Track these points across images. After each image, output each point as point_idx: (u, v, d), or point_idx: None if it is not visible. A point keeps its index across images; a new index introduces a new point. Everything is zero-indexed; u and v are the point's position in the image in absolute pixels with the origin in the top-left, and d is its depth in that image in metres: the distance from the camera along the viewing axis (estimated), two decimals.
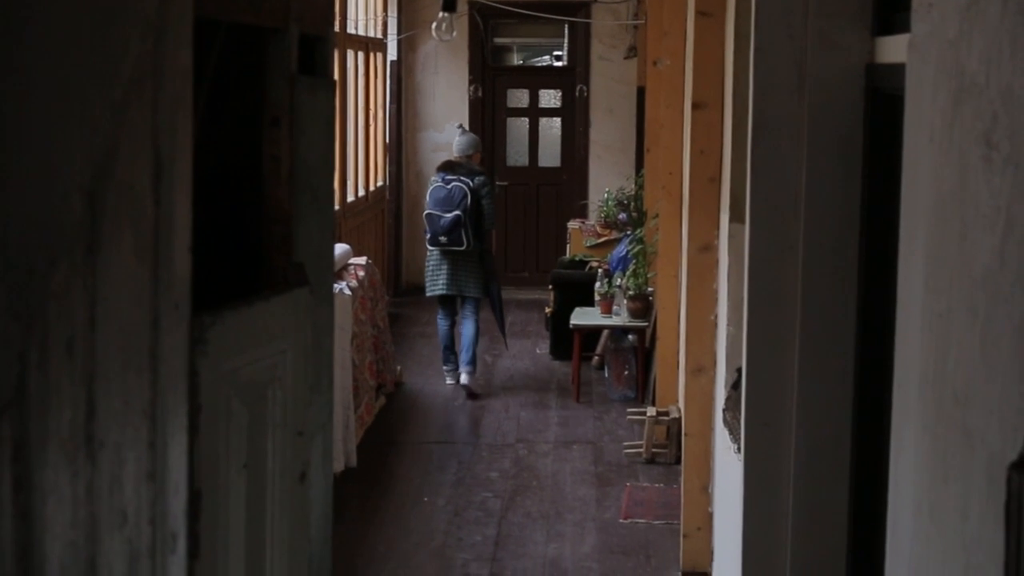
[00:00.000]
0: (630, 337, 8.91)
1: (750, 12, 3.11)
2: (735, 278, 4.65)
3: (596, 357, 9.55)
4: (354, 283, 7.81)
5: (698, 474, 5.80)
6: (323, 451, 2.39)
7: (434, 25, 10.67)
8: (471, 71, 12.90)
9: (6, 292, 1.18)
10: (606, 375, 9.10)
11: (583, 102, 12.92)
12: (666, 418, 7.42)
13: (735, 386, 4.44)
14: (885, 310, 2.52)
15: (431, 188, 8.82)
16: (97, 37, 1.37)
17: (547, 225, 12.91)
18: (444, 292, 8.80)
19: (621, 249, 9.63)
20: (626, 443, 7.71)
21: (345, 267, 8.07)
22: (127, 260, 1.44)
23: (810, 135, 2.76)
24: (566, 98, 13.07)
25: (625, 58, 12.38)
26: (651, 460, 7.44)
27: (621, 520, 6.54)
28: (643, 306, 8.67)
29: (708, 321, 5.78)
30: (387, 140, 12.26)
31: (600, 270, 9.63)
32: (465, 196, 8.62)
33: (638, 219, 9.54)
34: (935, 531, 1.44)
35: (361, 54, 11.14)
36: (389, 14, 12.20)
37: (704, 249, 5.80)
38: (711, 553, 5.56)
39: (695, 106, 5.75)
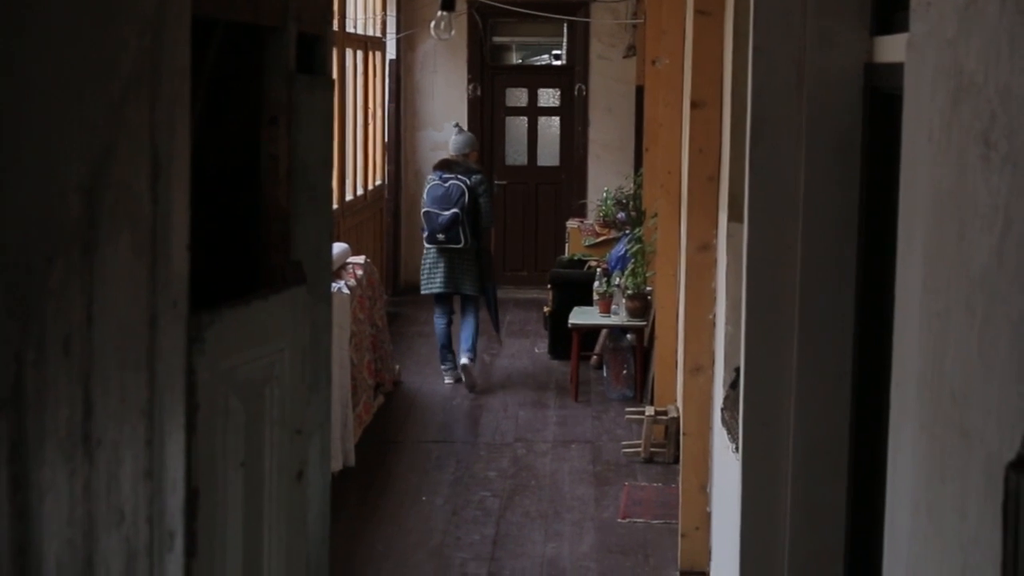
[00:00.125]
0: (628, 336, 8.92)
1: (749, 11, 3.11)
2: (733, 277, 4.65)
3: (594, 356, 9.55)
4: (352, 282, 7.81)
5: (696, 473, 5.80)
6: (321, 450, 2.39)
7: (433, 24, 10.67)
8: (470, 70, 12.90)
9: (3, 290, 1.18)
10: (604, 374, 9.10)
11: (582, 101, 12.92)
12: (664, 417, 7.43)
13: (733, 385, 4.44)
14: (883, 309, 2.52)
15: (428, 186, 8.86)
16: (95, 36, 1.37)
17: (546, 224, 12.91)
18: (441, 290, 8.84)
19: (620, 248, 9.63)
20: (624, 442, 7.71)
21: (343, 266, 8.07)
22: (124, 258, 1.44)
23: (809, 134, 2.75)
24: (565, 97, 13.07)
25: (624, 57, 12.38)
26: (649, 459, 7.44)
27: (619, 519, 6.54)
28: (641, 305, 8.67)
29: (706, 320, 5.78)
30: (386, 139, 12.26)
31: (599, 269, 9.63)
32: (463, 194, 8.67)
33: (637, 218, 9.54)
34: (933, 530, 1.44)
35: (360, 53, 11.13)
36: (388, 13, 12.19)
37: (703, 248, 5.80)
38: (709, 553, 5.56)
39: (694, 105, 5.75)
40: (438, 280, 8.84)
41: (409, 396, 8.93)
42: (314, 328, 2.26)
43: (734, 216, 4.69)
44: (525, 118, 13.24)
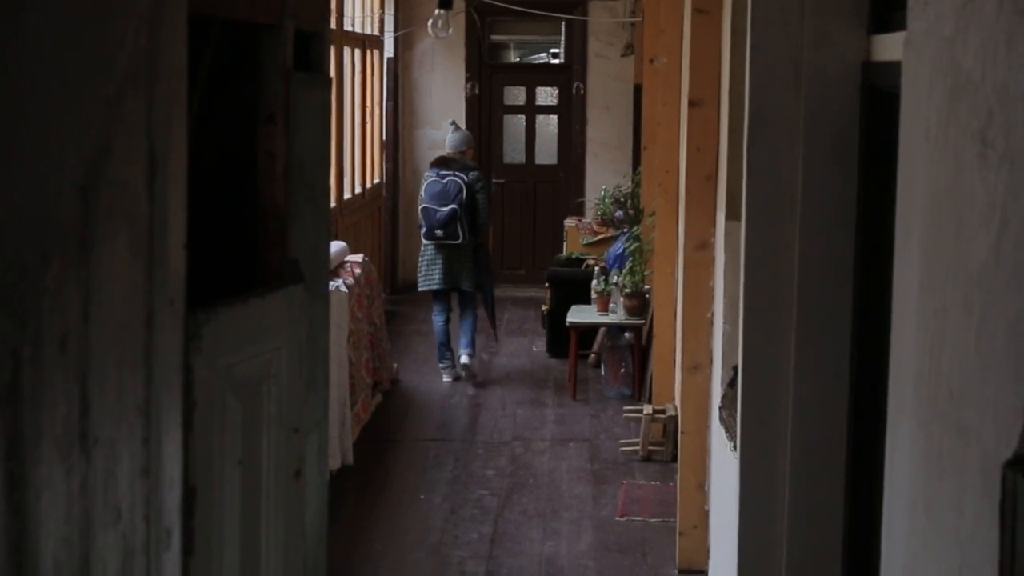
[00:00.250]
0: (626, 335, 8.92)
1: (747, 10, 3.11)
2: (731, 276, 4.65)
3: (592, 355, 9.55)
4: (350, 280, 7.80)
5: (694, 472, 5.80)
6: (318, 448, 2.39)
7: (430, 22, 10.66)
8: (468, 68, 12.90)
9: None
10: (602, 373, 9.11)
11: (580, 99, 12.91)
12: (662, 416, 7.43)
13: (731, 384, 4.44)
14: (881, 307, 2.52)
15: (426, 183, 8.90)
16: (91, 34, 1.37)
17: (544, 223, 12.90)
18: (439, 286, 8.88)
19: (618, 247, 9.63)
20: (622, 441, 7.71)
21: (341, 264, 8.07)
22: (121, 257, 1.44)
23: (806, 133, 2.75)
24: (563, 95, 13.07)
25: (622, 55, 12.37)
26: (647, 458, 7.44)
27: (617, 518, 6.54)
28: (639, 304, 8.68)
29: (704, 319, 5.78)
30: (384, 137, 12.25)
31: (597, 268, 9.63)
32: (461, 190, 8.72)
33: (635, 217, 9.54)
34: (930, 528, 1.44)
35: (358, 51, 11.13)
36: (386, 11, 12.19)
37: (700, 247, 5.80)
38: (707, 551, 5.56)
39: (692, 104, 5.75)
40: (436, 277, 8.88)
41: (407, 394, 8.93)
42: (311, 326, 2.26)
43: (732, 215, 4.69)
44: (523, 116, 13.24)
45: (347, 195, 10.59)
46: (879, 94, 2.62)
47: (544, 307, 10.21)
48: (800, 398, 2.81)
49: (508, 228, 12.86)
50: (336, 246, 7.97)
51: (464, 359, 9.14)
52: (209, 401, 1.82)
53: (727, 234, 4.79)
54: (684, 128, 6.14)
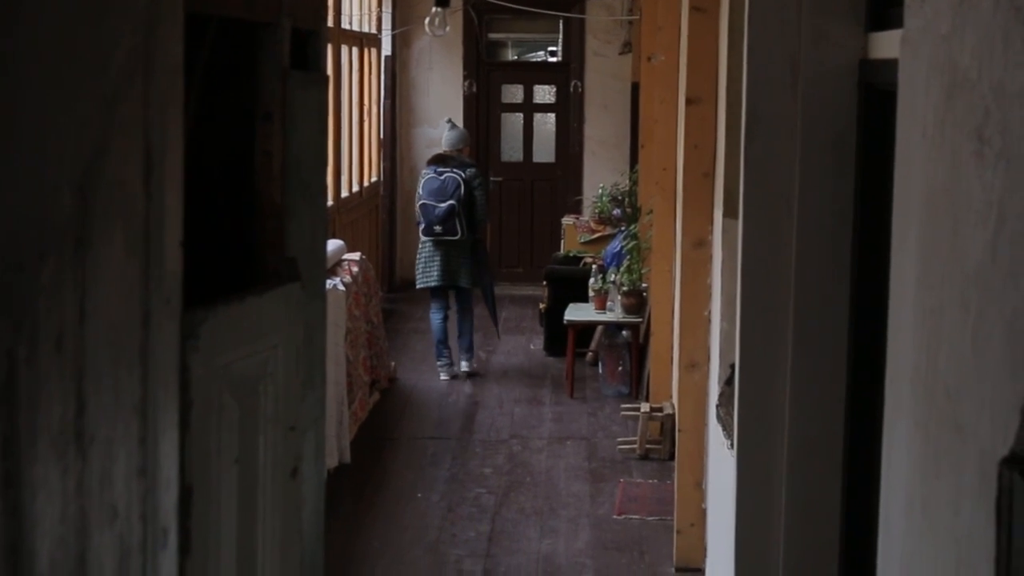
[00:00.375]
0: (624, 333, 8.92)
1: (744, 7, 3.11)
2: (729, 274, 4.65)
3: (590, 353, 9.55)
4: (348, 279, 7.80)
5: (692, 470, 5.80)
6: (315, 447, 2.39)
7: (427, 20, 10.66)
8: (465, 66, 12.89)
9: None
10: (600, 371, 9.11)
11: (577, 98, 12.91)
12: (660, 414, 7.43)
13: (729, 382, 4.44)
14: (878, 305, 2.52)
15: (424, 180, 8.94)
16: (87, 32, 1.36)
17: (541, 221, 12.90)
18: (437, 283, 8.91)
19: (615, 245, 9.63)
20: (620, 439, 7.72)
21: (339, 263, 8.06)
22: (117, 255, 1.44)
23: (803, 130, 2.75)
24: (560, 94, 13.07)
25: (620, 54, 12.38)
26: (645, 456, 7.44)
27: (615, 516, 6.54)
28: (637, 302, 8.68)
29: (702, 317, 5.79)
30: (381, 136, 12.25)
31: (594, 266, 9.63)
32: (459, 187, 8.78)
33: (632, 215, 9.54)
34: (927, 526, 1.44)
35: (355, 49, 11.12)
36: (383, 9, 12.18)
37: (698, 245, 5.80)
38: (704, 549, 5.56)
39: (689, 101, 5.75)
40: (434, 273, 8.91)
41: (405, 393, 8.93)
42: (308, 325, 2.26)
43: (729, 212, 4.69)
44: (521, 115, 13.24)
45: (344, 193, 10.59)
46: (876, 92, 2.62)
47: (542, 305, 10.21)
48: (797, 396, 2.81)
49: (506, 226, 12.86)
50: (334, 244, 7.97)
51: (464, 366, 9.22)
52: (206, 400, 1.82)
53: (724, 232, 4.79)
54: (682, 126, 6.14)
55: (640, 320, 8.70)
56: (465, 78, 12.90)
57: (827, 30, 2.70)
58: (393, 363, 9.21)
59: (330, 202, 9.42)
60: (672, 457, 6.75)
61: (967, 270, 1.29)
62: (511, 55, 15.42)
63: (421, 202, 8.86)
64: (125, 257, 1.46)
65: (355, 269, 8.13)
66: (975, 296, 1.26)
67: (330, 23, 9.36)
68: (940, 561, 1.37)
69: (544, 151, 13.17)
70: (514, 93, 13.22)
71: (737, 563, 3.07)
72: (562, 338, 9.15)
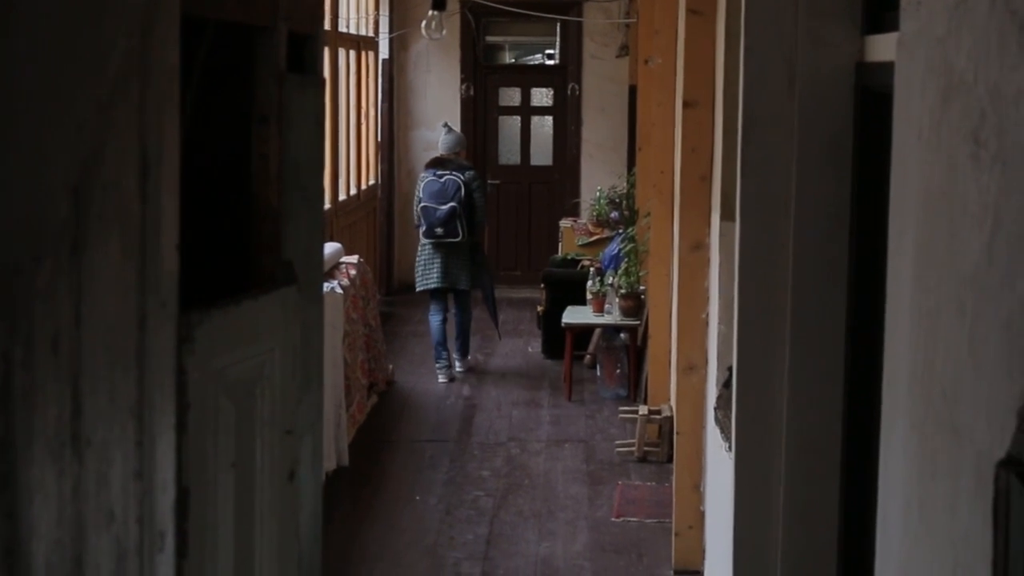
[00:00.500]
0: (622, 335, 8.92)
1: (740, 10, 3.11)
2: (726, 276, 4.65)
3: (588, 356, 9.55)
4: (346, 282, 7.80)
5: (690, 472, 5.80)
6: (313, 450, 2.38)
7: (424, 23, 10.66)
8: (463, 69, 12.89)
9: None
10: (598, 373, 9.11)
11: (575, 100, 12.92)
12: (658, 416, 7.43)
13: (726, 384, 4.44)
14: (875, 308, 2.52)
15: (424, 183, 9.00)
16: (83, 35, 1.36)
17: (539, 224, 12.90)
18: (437, 285, 8.98)
19: (613, 247, 9.63)
20: (618, 442, 7.71)
21: (337, 266, 8.06)
22: (113, 258, 1.44)
23: (800, 133, 2.75)
24: (558, 96, 13.07)
25: (617, 56, 12.38)
26: (643, 459, 7.44)
27: (613, 519, 6.54)
28: (635, 304, 8.68)
29: (700, 319, 5.79)
30: (379, 139, 12.25)
31: (592, 269, 9.63)
32: (459, 189, 8.88)
33: (630, 217, 9.54)
34: (924, 528, 1.44)
35: (353, 52, 11.13)
36: (381, 12, 12.18)
37: (695, 247, 5.81)
38: (703, 551, 5.56)
39: (686, 104, 5.75)
40: (434, 276, 8.98)
41: (403, 395, 8.93)
42: (305, 328, 2.26)
43: (727, 215, 4.69)
44: (518, 117, 13.24)
45: (342, 196, 10.59)
46: (873, 95, 2.62)
47: (540, 308, 10.22)
48: (795, 398, 2.81)
49: (504, 229, 12.86)
50: (331, 247, 7.97)
51: (459, 366, 9.36)
52: (202, 403, 1.82)
53: (722, 235, 4.79)
54: (679, 129, 6.14)
55: (638, 323, 8.70)
56: (462, 81, 12.90)
57: (823, 33, 2.70)
58: (391, 366, 9.21)
59: (328, 205, 9.43)
60: (670, 459, 6.75)
61: (963, 272, 1.29)
62: (508, 58, 15.42)
63: (422, 205, 8.93)
64: (121, 260, 1.46)
65: (353, 272, 8.13)
66: (971, 298, 1.26)
67: (327, 26, 9.36)
68: (937, 563, 1.37)
69: (542, 154, 13.17)
70: (511, 96, 13.23)
71: (735, 565, 3.07)
72: (560, 341, 9.15)
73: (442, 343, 9.16)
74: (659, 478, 7.14)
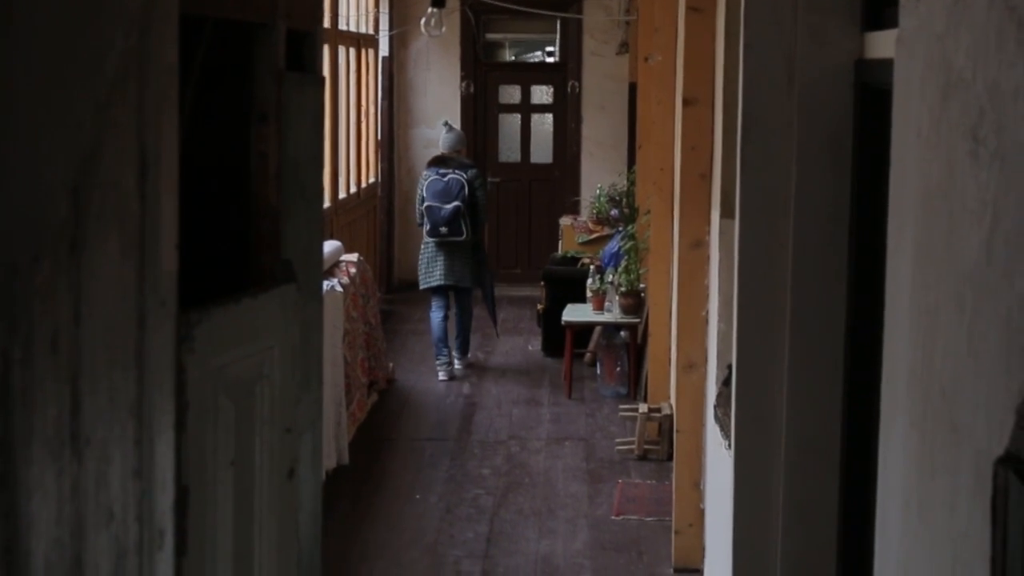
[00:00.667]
0: (622, 333, 8.92)
1: (740, 8, 3.11)
2: (726, 274, 4.65)
3: (588, 354, 9.55)
4: (346, 280, 7.80)
5: (690, 470, 5.81)
6: (312, 448, 2.38)
7: (423, 20, 10.66)
8: (463, 67, 12.89)
9: None
10: (598, 372, 9.11)
11: (575, 98, 12.91)
12: (658, 415, 7.43)
13: (726, 382, 4.44)
14: (874, 305, 2.52)
15: (427, 181, 9.02)
16: (81, 34, 1.36)
17: (539, 221, 12.90)
18: (441, 283, 9.02)
19: (613, 245, 9.63)
20: (618, 440, 7.72)
21: (336, 264, 8.06)
22: (112, 257, 1.44)
23: (800, 130, 2.75)
24: (558, 94, 13.07)
25: (617, 54, 12.37)
26: (643, 457, 7.44)
27: (613, 517, 6.54)
28: (635, 302, 8.68)
29: (699, 317, 5.79)
30: (379, 137, 12.25)
31: (592, 266, 9.63)
32: (463, 188, 8.93)
33: (630, 215, 9.54)
34: (923, 525, 1.44)
35: (352, 50, 11.12)
36: (380, 10, 12.18)
37: (695, 245, 5.81)
38: (703, 549, 5.56)
39: (686, 102, 5.75)
40: (437, 273, 9.03)
41: (403, 394, 8.93)
42: (304, 326, 2.26)
43: (726, 213, 4.69)
44: (518, 115, 13.23)
45: (342, 195, 10.59)
46: (872, 92, 2.62)
47: (540, 306, 10.22)
48: (794, 396, 2.81)
49: (504, 227, 12.85)
50: (331, 246, 7.97)
51: (458, 364, 9.38)
52: (202, 402, 1.82)
53: (722, 232, 4.79)
54: (679, 126, 6.14)
55: (638, 321, 8.70)
56: (462, 79, 12.89)
57: (823, 30, 2.70)
58: (391, 364, 9.21)
59: (328, 203, 9.43)
60: (670, 457, 6.75)
61: (962, 269, 1.29)
62: (508, 55, 15.42)
63: (426, 204, 8.97)
64: (120, 259, 1.46)
65: (353, 270, 8.13)
66: (970, 295, 1.26)
67: (327, 24, 9.36)
68: (936, 560, 1.37)
69: (542, 152, 13.17)
70: (511, 94, 13.22)
71: (735, 563, 3.07)
72: (560, 339, 9.15)
73: (443, 340, 9.18)
74: (659, 476, 7.14)
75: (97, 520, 1.42)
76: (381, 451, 7.63)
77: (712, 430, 4.88)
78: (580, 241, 11.12)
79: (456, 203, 8.88)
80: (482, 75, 13.05)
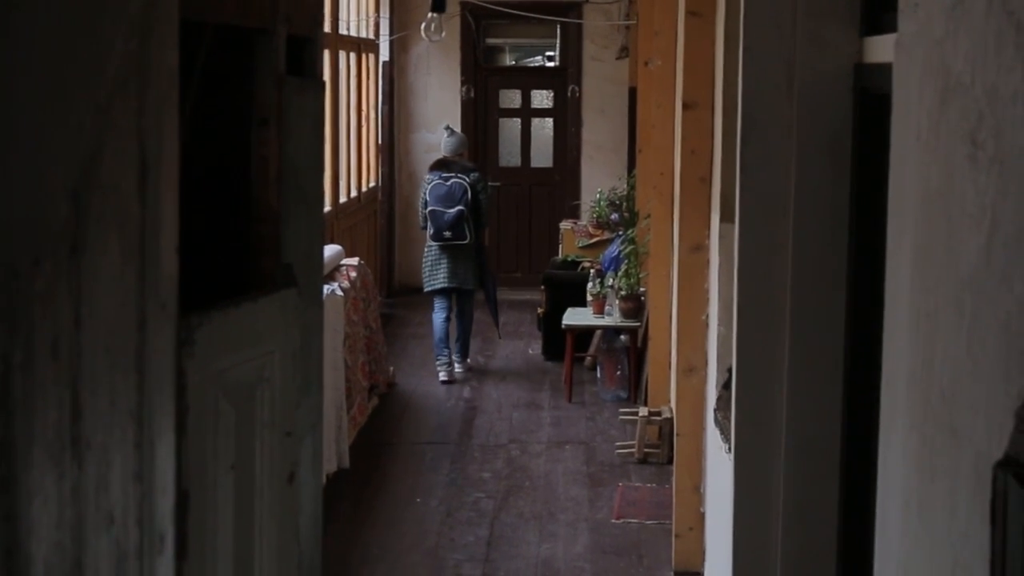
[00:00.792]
0: (622, 337, 8.92)
1: (740, 12, 3.11)
2: (726, 278, 4.65)
3: (588, 357, 9.55)
4: (346, 284, 7.80)
5: (690, 474, 5.80)
6: (313, 452, 2.39)
7: (423, 25, 10.67)
8: (463, 72, 12.90)
9: None
10: (598, 375, 9.11)
11: (575, 102, 12.92)
12: (658, 418, 7.43)
13: (726, 386, 4.44)
14: (874, 309, 2.52)
15: (430, 186, 9.06)
16: (81, 37, 1.37)
17: (539, 226, 12.90)
18: (445, 285, 9.05)
19: (613, 249, 9.63)
20: (618, 443, 7.71)
21: (337, 268, 8.07)
22: (113, 261, 1.44)
23: (799, 135, 2.76)
24: (558, 98, 13.07)
25: (617, 58, 12.38)
26: (643, 460, 7.44)
27: (613, 520, 6.54)
28: (635, 306, 8.68)
29: (699, 321, 5.79)
30: (379, 141, 12.25)
31: (592, 270, 9.64)
32: (466, 192, 8.99)
33: (630, 219, 9.55)
34: (923, 529, 1.44)
35: (353, 55, 11.13)
36: (381, 15, 12.19)
37: (695, 249, 5.81)
38: (703, 553, 5.56)
39: (686, 106, 5.75)
40: (441, 276, 9.09)
41: (403, 398, 8.93)
42: (304, 330, 2.26)
43: (726, 217, 4.69)
44: (518, 119, 13.24)
45: (343, 199, 10.59)
46: (871, 96, 2.62)
47: (540, 310, 10.22)
48: (794, 400, 2.81)
49: (504, 231, 12.85)
50: (332, 250, 7.97)
51: (458, 368, 9.38)
52: (202, 405, 1.82)
53: (721, 236, 4.79)
54: (679, 130, 6.14)
55: (638, 324, 8.70)
56: (463, 83, 12.90)
57: (822, 34, 2.71)
58: (392, 368, 9.21)
59: (328, 207, 9.43)
60: (670, 461, 6.75)
61: (961, 273, 1.29)
62: (509, 60, 15.43)
63: (430, 208, 9.01)
64: (121, 262, 1.46)
65: (353, 274, 8.13)
66: (969, 299, 1.26)
67: (327, 29, 9.37)
68: (936, 563, 1.37)
69: (542, 156, 13.17)
70: (512, 98, 13.23)
71: (735, 566, 3.07)
72: (560, 342, 9.15)
73: (444, 340, 9.23)
74: (659, 479, 7.14)
75: (97, 524, 1.42)
76: (382, 455, 7.63)
77: (712, 433, 4.88)
78: (580, 245, 11.12)
79: (459, 207, 8.93)
80: (482, 79, 13.05)
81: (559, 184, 13.00)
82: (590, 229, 11.16)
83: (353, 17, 11.20)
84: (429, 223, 9.03)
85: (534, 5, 12.17)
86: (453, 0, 11.94)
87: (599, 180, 12.22)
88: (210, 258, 2.15)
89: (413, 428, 8.26)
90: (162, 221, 1.57)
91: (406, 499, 6.85)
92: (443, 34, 10.83)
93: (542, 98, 13.21)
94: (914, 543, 1.48)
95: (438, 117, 12.47)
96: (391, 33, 12.34)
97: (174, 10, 1.60)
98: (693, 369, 5.82)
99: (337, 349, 7.07)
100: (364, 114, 11.60)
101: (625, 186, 10.70)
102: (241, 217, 2.18)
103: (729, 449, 3.63)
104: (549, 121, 13.18)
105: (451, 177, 9.05)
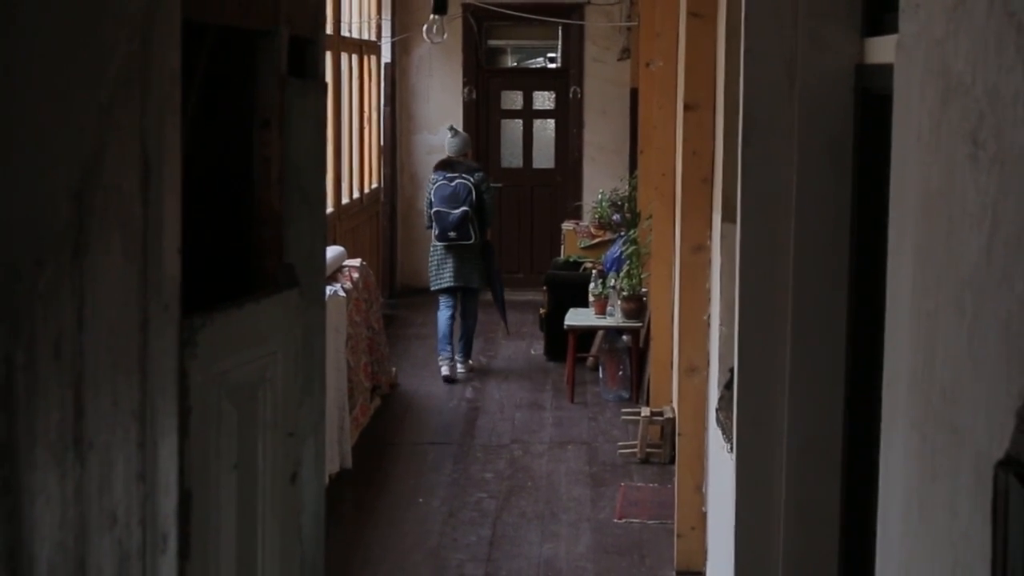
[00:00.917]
0: (624, 338, 8.92)
1: (741, 13, 3.12)
2: (727, 278, 4.65)
3: (590, 358, 9.55)
4: (348, 285, 7.81)
5: (692, 474, 5.81)
6: (315, 452, 2.39)
7: (425, 27, 10.67)
8: (465, 73, 12.90)
9: None
10: (600, 376, 9.11)
11: (577, 104, 12.92)
12: (660, 418, 7.43)
13: (728, 386, 4.45)
14: (875, 309, 2.53)
15: (435, 186, 9.08)
16: (83, 39, 1.37)
17: (541, 226, 12.90)
18: (450, 284, 9.09)
19: (615, 250, 9.63)
20: (620, 443, 7.72)
21: (339, 269, 8.07)
22: (115, 262, 1.44)
23: (800, 135, 2.76)
24: (560, 100, 13.07)
25: (618, 60, 12.38)
26: (645, 460, 7.44)
27: (615, 520, 6.54)
28: (637, 307, 8.68)
29: (701, 321, 5.79)
30: (381, 142, 12.26)
31: (594, 271, 9.64)
32: (470, 192, 9.02)
33: (632, 220, 9.55)
34: (924, 528, 1.44)
35: (355, 57, 11.13)
36: (383, 17, 12.19)
37: (697, 249, 5.81)
38: (705, 552, 5.56)
39: (687, 107, 5.76)
40: (447, 276, 9.14)
41: (406, 398, 8.93)
42: (307, 331, 2.27)
43: (728, 217, 4.70)
44: (520, 121, 13.24)
45: (345, 200, 10.59)
46: (872, 96, 2.62)
47: (542, 310, 10.22)
48: (796, 399, 2.81)
49: (506, 232, 12.85)
50: (334, 251, 7.98)
51: (460, 367, 9.40)
52: (204, 406, 1.82)
53: (723, 237, 4.79)
54: (680, 131, 6.14)
55: (640, 325, 8.70)
56: (465, 84, 12.90)
57: (823, 35, 2.71)
58: (394, 369, 9.21)
59: (331, 209, 9.44)
60: (672, 461, 6.75)
61: (962, 273, 1.29)
62: (510, 61, 15.43)
63: (434, 209, 9.04)
64: (123, 263, 1.46)
65: (356, 275, 8.14)
66: (970, 299, 1.27)
67: (329, 31, 9.37)
68: (937, 563, 1.37)
69: (544, 157, 13.17)
70: (514, 99, 13.23)
71: (737, 566, 3.07)
72: (562, 343, 9.15)
73: (447, 337, 9.26)
74: (661, 479, 7.14)
75: (100, 524, 1.42)
76: (384, 455, 7.63)
77: (714, 433, 4.88)
78: (582, 246, 11.12)
79: (464, 208, 8.97)
80: (484, 81, 13.06)
81: (561, 185, 13.00)
82: (592, 230, 11.16)
83: (355, 19, 11.20)
84: (434, 223, 9.05)
85: (536, 7, 12.17)
86: (455, 2, 11.94)
87: (601, 181, 12.22)
88: (212, 259, 2.16)
89: (415, 428, 8.27)
90: (164, 222, 1.57)
91: (408, 499, 6.85)
92: (445, 36, 10.83)
93: (544, 99, 13.21)
94: (915, 542, 1.48)
95: (440, 119, 12.47)
96: (393, 35, 12.34)
97: (176, 11, 1.61)
98: (695, 369, 5.83)
99: (339, 350, 7.08)
100: (366, 116, 11.60)
101: (627, 187, 10.70)
102: (243, 218, 2.18)
103: (731, 449, 3.63)
104: (551, 122, 13.18)
105: (456, 177, 9.07)
